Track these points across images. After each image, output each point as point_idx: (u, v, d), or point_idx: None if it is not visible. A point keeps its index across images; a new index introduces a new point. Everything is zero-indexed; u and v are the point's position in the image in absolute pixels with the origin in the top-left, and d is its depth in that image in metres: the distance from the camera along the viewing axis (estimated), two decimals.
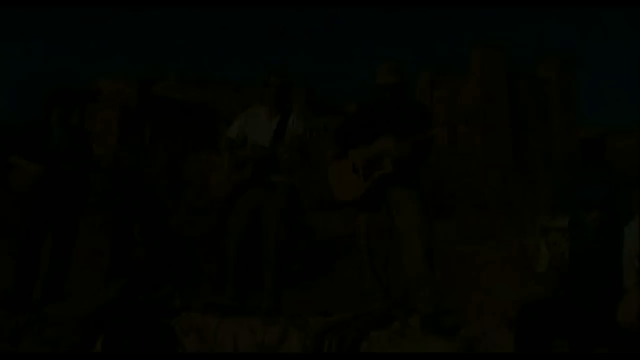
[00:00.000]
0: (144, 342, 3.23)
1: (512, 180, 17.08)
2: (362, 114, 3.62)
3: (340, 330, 3.20)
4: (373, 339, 3.10)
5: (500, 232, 13.48)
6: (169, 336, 3.46)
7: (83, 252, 6.40)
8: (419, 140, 3.31)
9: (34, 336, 3.38)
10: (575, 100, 30.53)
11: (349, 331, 3.18)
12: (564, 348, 2.73)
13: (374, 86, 3.47)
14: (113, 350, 3.16)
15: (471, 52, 31.18)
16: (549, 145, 11.67)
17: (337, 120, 4.11)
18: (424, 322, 3.16)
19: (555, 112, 29.65)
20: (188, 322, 3.50)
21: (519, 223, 12.93)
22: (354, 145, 3.57)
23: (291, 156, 3.78)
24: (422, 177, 3.66)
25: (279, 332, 3.23)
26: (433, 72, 31.49)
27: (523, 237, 11.41)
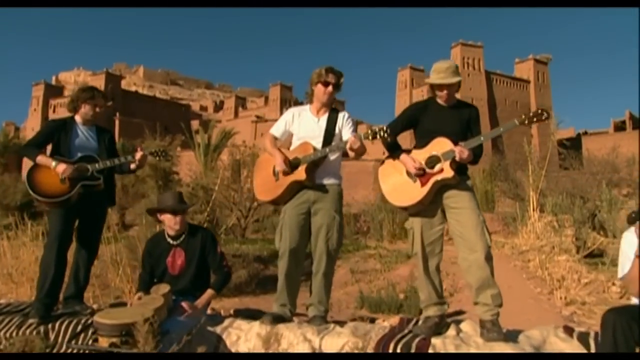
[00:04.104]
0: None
1: (494, 180, 17.31)
2: (415, 113, 3.45)
3: (402, 337, 3.12)
4: (437, 346, 3.04)
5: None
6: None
7: None
8: (480, 143, 3.25)
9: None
10: (551, 100, 31.40)
11: (411, 338, 3.11)
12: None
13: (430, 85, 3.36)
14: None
15: (451, 50, 31.69)
16: (528, 145, 11.81)
17: None
18: (486, 329, 3.11)
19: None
20: (238, 329, 3.37)
21: (505, 222, 13.11)
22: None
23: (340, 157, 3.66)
24: None
25: (337, 340, 3.13)
26: (412, 70, 31.68)
27: (512, 236, 11.56)
